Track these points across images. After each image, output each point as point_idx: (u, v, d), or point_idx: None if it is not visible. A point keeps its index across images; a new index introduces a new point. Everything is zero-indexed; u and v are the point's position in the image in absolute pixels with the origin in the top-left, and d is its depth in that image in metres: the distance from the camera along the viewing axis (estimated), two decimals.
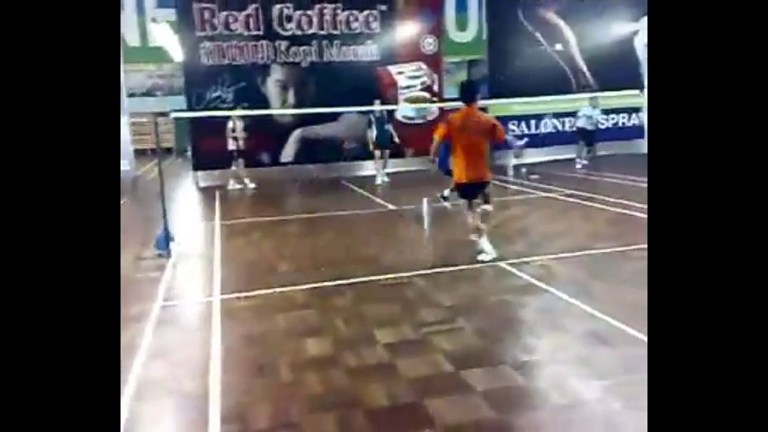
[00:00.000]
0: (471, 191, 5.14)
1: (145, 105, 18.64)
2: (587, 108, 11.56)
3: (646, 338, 3.26)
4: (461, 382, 2.90)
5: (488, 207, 5.15)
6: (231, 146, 10.57)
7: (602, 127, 13.26)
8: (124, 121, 11.58)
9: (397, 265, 5.14)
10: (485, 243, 5.08)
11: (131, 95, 20.17)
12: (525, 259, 5.04)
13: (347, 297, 4.30)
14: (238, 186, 10.75)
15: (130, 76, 20.41)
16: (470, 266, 4.93)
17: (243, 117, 10.47)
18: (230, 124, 10.47)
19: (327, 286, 4.56)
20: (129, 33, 15.23)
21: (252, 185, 10.86)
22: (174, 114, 7.69)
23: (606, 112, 12.66)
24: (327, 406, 2.73)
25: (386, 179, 10.58)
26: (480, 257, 5.01)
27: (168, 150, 22.60)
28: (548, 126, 13.42)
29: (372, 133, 10.40)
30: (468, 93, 5.12)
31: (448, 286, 4.49)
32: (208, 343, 3.54)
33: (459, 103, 5.22)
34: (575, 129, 12.03)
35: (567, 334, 3.46)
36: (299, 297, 4.36)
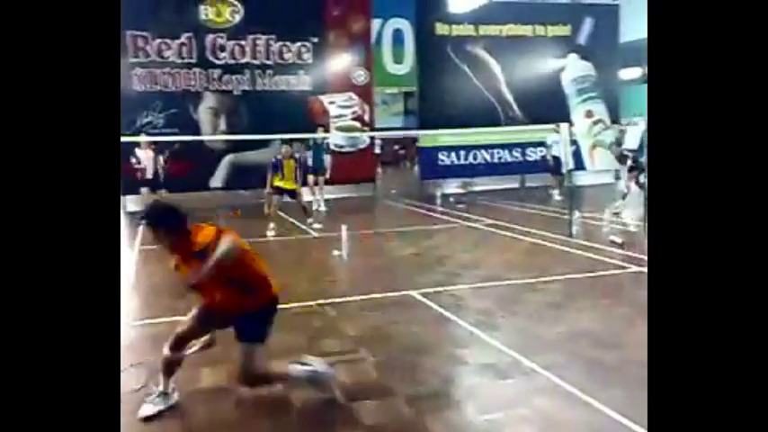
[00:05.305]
0: None
1: None
2: (555, 135, 9.91)
3: (543, 371, 3.31)
4: (350, 416, 2.90)
5: None
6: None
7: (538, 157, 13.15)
8: None
9: (310, 293, 5.13)
10: None
11: None
12: (438, 289, 5.13)
13: None
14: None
15: None
16: (381, 295, 4.99)
17: (153, 144, 9.87)
18: (139, 152, 9.85)
19: None
20: None
21: None
22: None
23: (536, 144, 12.88)
24: None
25: (322, 207, 10.54)
26: None
27: None
28: (477, 157, 13.79)
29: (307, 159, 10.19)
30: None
31: (357, 316, 4.52)
32: None
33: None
34: (548, 159, 11.17)
35: (465, 366, 3.51)
36: None
